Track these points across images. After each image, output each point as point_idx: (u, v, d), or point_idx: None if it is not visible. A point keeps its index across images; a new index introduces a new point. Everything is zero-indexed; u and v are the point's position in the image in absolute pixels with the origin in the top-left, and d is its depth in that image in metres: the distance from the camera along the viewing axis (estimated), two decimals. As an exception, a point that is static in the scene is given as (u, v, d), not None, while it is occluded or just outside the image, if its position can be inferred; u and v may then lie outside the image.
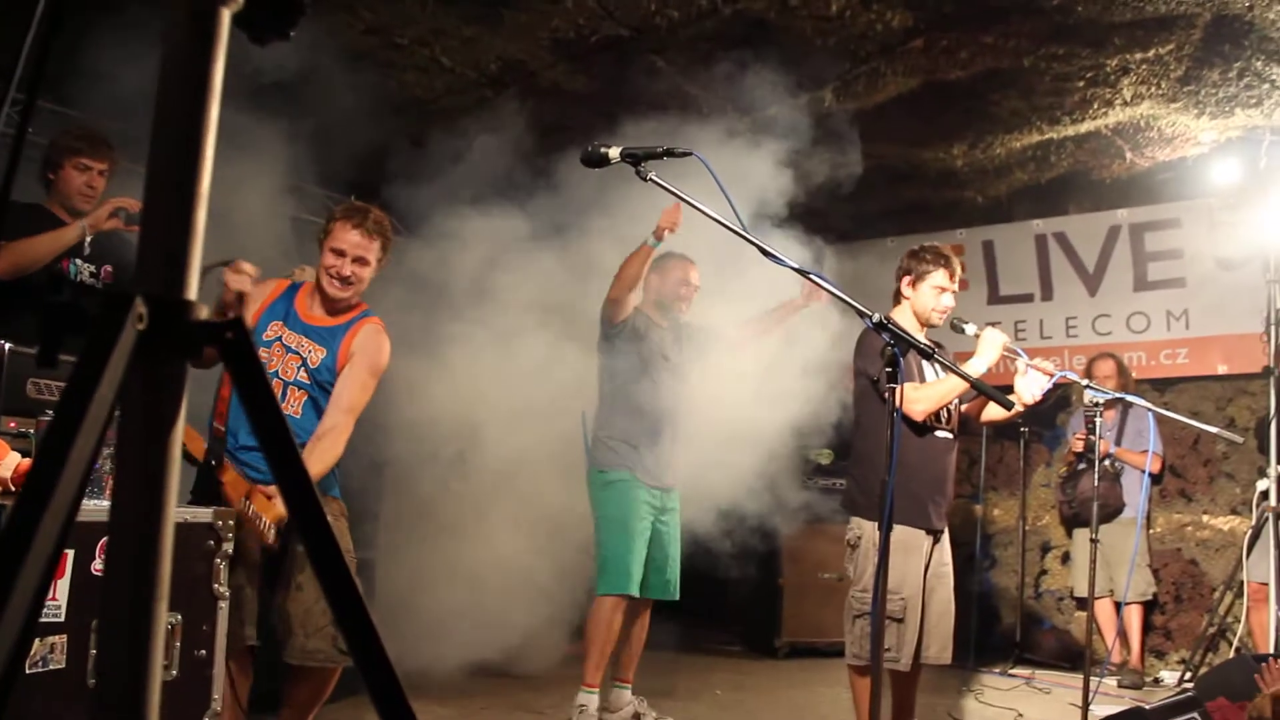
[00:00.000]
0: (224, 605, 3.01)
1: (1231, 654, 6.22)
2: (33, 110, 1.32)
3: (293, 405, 3.55)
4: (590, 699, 4.69)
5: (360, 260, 3.57)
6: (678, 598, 4.93)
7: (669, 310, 4.91)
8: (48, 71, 1.19)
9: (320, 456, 3.41)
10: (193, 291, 0.96)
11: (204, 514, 3.01)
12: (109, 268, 4.12)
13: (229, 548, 3.04)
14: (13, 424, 3.18)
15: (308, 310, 3.64)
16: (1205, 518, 7.05)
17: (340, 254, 3.55)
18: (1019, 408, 4.13)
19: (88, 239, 3.94)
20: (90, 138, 4.09)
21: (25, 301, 3.65)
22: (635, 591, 4.71)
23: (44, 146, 4.13)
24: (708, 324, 5.00)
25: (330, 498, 3.64)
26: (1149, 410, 4.68)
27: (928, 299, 4.34)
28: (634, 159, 2.80)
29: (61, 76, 4.38)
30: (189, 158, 0.97)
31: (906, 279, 4.39)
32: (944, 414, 4.31)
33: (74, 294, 0.96)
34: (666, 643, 6.05)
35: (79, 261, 4.02)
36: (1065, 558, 7.41)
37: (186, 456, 3.35)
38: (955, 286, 4.38)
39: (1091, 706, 4.30)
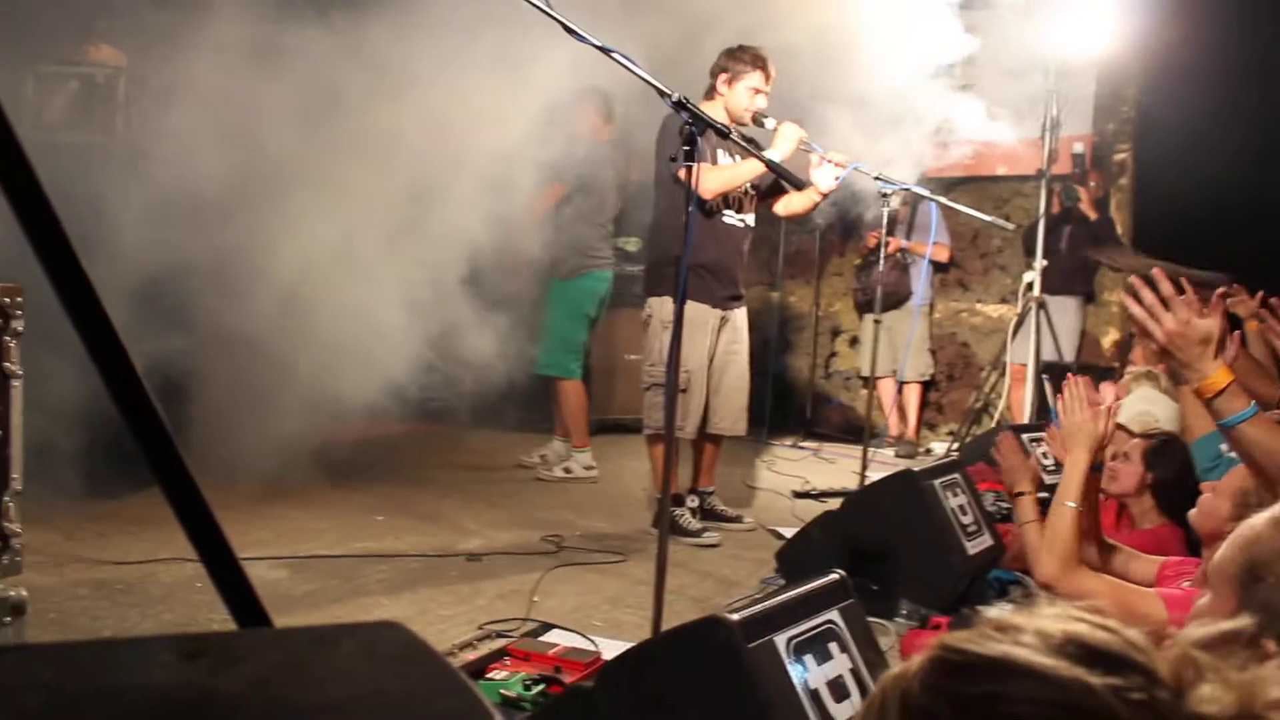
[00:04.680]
0: (17, 384, 2.93)
1: (993, 425, 6.91)
2: None
3: None
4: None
5: None
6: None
7: None
8: None
9: None
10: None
11: (-10, 292, 2.89)
12: None
13: (19, 325, 2.94)
14: None
15: None
16: (979, 305, 7.67)
17: None
18: (815, 196, 4.36)
19: None
20: None
21: None
22: None
23: None
24: None
25: None
26: (933, 201, 5.00)
27: (742, 99, 4.44)
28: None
29: None
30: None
31: (723, 76, 4.46)
32: (734, 200, 4.49)
33: None
34: (482, 425, 6.25)
35: None
36: (854, 341, 7.97)
37: None
38: (768, 88, 4.49)
39: (868, 473, 4.72)
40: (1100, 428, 2.90)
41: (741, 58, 4.43)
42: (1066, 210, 6.86)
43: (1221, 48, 6.27)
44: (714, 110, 4.39)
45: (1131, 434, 3.79)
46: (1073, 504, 2.82)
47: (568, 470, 5.68)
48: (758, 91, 4.43)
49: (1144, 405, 4.16)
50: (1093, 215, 6.87)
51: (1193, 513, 2.75)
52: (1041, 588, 2.95)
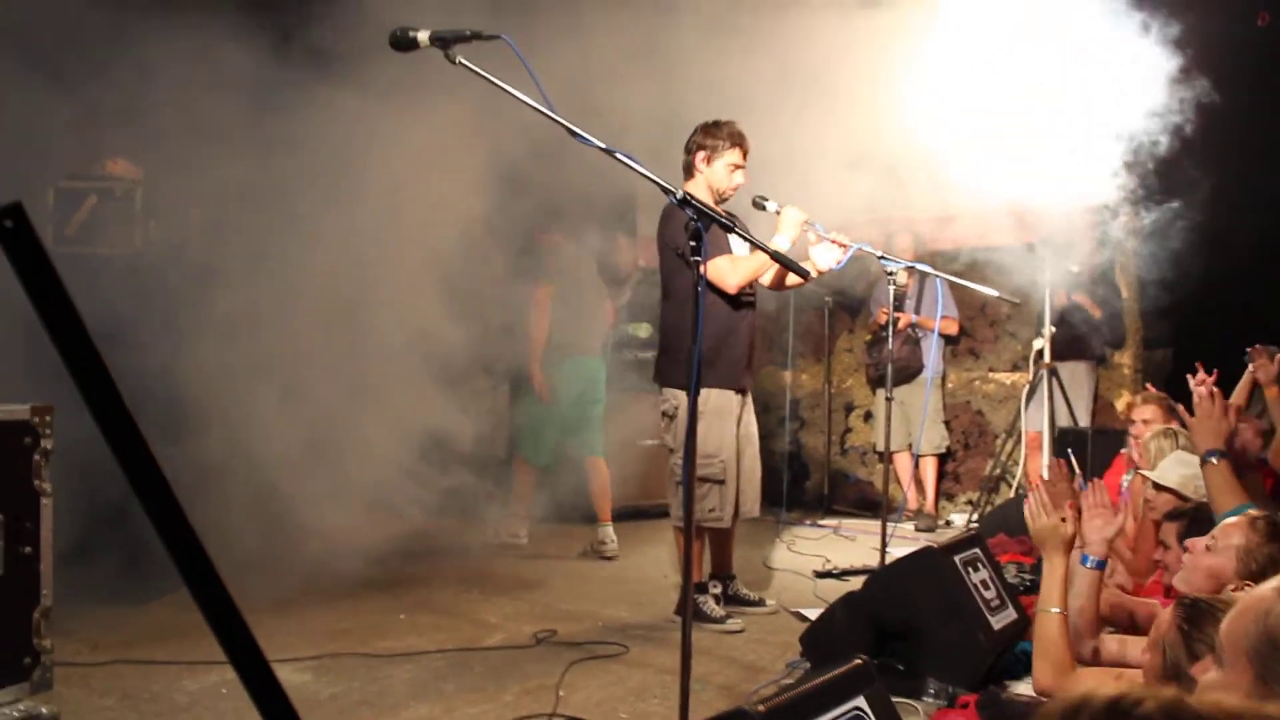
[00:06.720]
0: (47, 501, 2.98)
1: (1011, 495, 6.89)
2: None
3: None
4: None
5: None
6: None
7: None
8: None
9: None
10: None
11: (20, 411, 2.96)
12: None
13: (48, 444, 3.00)
14: None
15: None
16: (990, 373, 7.70)
17: None
18: (814, 275, 4.43)
19: None
20: None
21: None
22: None
23: None
24: None
25: None
26: (939, 277, 5.07)
27: (721, 176, 4.51)
28: (443, 42, 2.79)
29: None
30: None
31: (701, 154, 4.52)
32: (746, 286, 4.56)
33: None
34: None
35: None
36: (867, 416, 8.00)
37: None
38: (745, 164, 4.56)
39: (889, 549, 4.69)
40: (1069, 530, 2.93)
41: (718, 135, 4.49)
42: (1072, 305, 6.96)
43: (1219, 109, 6.36)
44: (697, 188, 4.46)
45: (1185, 499, 3.75)
46: (1056, 610, 2.85)
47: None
48: (736, 168, 4.51)
49: (1189, 470, 3.90)
50: (1096, 314, 6.93)
51: (1179, 576, 2.72)
52: (1040, 694, 2.92)
